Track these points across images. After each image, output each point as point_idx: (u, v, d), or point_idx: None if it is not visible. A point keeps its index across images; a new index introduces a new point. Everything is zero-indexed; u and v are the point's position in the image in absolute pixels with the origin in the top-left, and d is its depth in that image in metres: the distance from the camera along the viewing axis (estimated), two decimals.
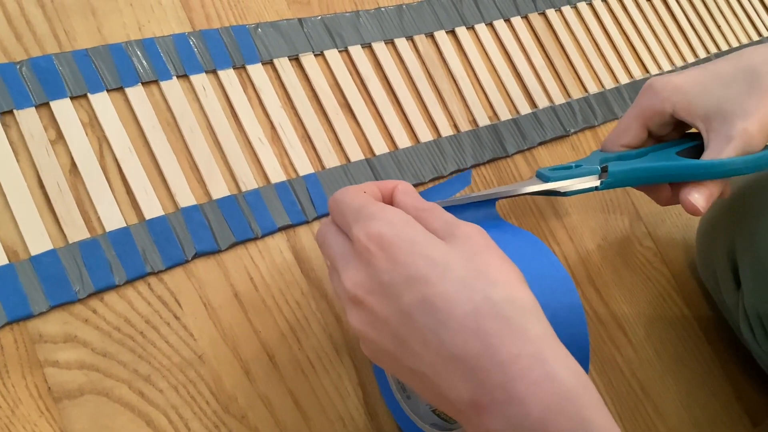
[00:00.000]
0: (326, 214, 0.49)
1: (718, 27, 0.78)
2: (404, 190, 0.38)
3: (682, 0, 0.77)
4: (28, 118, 0.42)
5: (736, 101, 0.47)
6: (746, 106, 0.46)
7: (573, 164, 0.49)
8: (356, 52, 0.55)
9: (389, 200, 0.38)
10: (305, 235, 0.48)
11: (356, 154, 0.52)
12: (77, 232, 0.41)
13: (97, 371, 0.39)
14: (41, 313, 0.39)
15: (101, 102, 0.45)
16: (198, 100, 0.48)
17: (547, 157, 0.60)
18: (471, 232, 0.34)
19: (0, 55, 0.43)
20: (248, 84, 0.50)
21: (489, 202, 0.45)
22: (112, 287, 0.41)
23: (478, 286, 0.31)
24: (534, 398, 0.29)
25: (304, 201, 0.48)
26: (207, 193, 0.46)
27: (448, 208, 0.42)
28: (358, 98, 0.54)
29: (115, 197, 0.43)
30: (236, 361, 0.43)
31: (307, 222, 0.48)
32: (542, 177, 0.48)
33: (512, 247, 0.38)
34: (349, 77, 0.54)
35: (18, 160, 0.41)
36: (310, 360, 0.45)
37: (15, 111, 0.42)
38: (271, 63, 0.51)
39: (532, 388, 0.29)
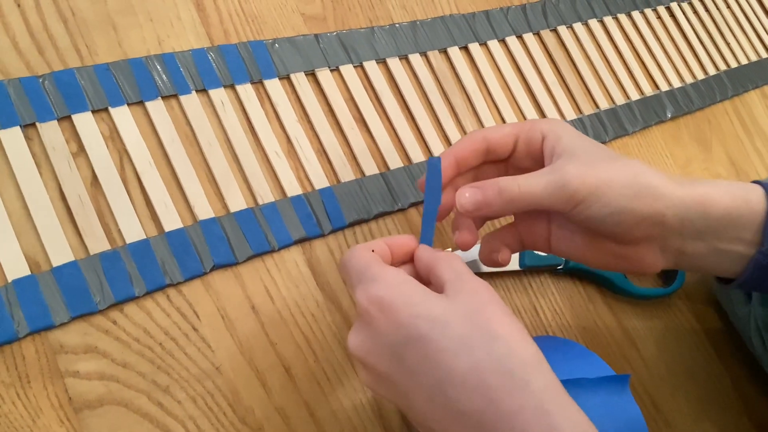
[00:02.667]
0: (341, 228, 0.49)
1: (728, 44, 0.79)
2: (424, 246, 0.40)
3: (691, 17, 0.78)
4: (50, 131, 0.43)
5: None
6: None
7: None
8: (371, 67, 0.56)
9: (400, 255, 0.39)
10: (320, 249, 0.48)
11: (371, 168, 0.52)
12: (98, 243, 0.42)
13: (116, 382, 0.40)
14: (62, 324, 0.39)
15: (122, 115, 0.45)
16: (216, 114, 0.48)
17: None
18: (478, 287, 0.35)
19: (23, 69, 0.44)
20: (265, 98, 0.51)
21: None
22: (132, 298, 0.42)
23: (479, 342, 0.32)
24: None
25: (320, 214, 0.49)
26: (225, 206, 0.46)
27: None
28: (373, 113, 0.54)
29: (135, 209, 0.43)
30: (253, 372, 0.43)
31: (322, 235, 0.48)
32: (522, 255, 0.55)
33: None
34: (363, 92, 0.55)
35: (40, 173, 0.42)
36: (325, 372, 0.46)
37: (38, 124, 0.43)
38: (287, 78, 0.52)
39: None
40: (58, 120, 0.44)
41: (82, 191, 0.43)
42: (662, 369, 0.57)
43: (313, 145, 0.51)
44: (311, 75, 0.53)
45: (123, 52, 0.47)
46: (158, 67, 0.47)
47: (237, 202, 0.47)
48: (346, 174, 0.51)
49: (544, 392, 0.31)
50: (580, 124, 0.63)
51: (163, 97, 0.47)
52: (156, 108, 0.46)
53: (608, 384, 0.44)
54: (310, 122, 0.52)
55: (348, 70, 0.55)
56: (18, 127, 0.42)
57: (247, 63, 0.51)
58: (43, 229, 0.41)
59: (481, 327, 0.33)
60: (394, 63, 0.57)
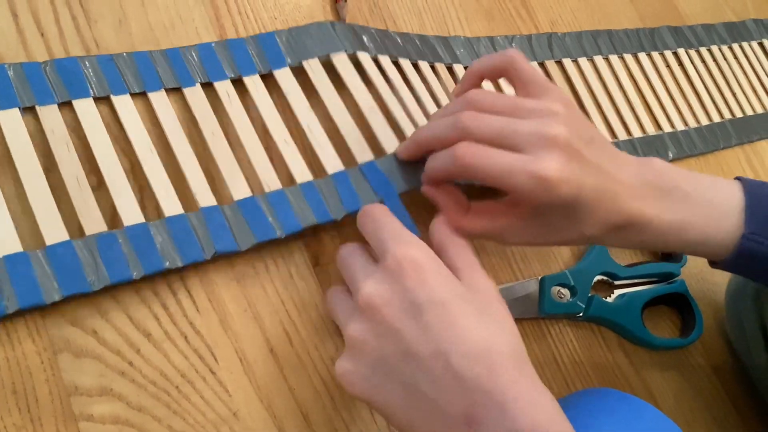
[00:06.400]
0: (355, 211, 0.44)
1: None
2: (440, 223, 0.42)
3: (698, 65, 0.76)
4: (50, 114, 0.41)
5: None
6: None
7: (570, 276, 0.53)
8: (386, 61, 0.54)
9: None
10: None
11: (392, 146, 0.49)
12: (95, 225, 0.39)
13: (131, 427, 0.37)
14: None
15: (124, 103, 0.43)
16: (222, 104, 0.46)
17: None
18: (487, 283, 0.38)
19: (23, 55, 0.42)
20: (275, 89, 0.49)
21: None
22: (129, 281, 0.39)
23: (492, 326, 0.36)
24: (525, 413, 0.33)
25: (332, 201, 0.46)
26: (228, 195, 0.44)
27: None
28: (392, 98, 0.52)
29: (134, 194, 0.41)
30: (270, 418, 0.41)
31: (334, 221, 0.45)
32: (542, 302, 0.52)
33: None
34: (382, 80, 0.53)
35: (38, 155, 0.40)
36: (343, 419, 0.43)
37: (37, 107, 0.41)
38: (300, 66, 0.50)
39: (526, 407, 0.33)
40: (58, 105, 0.41)
41: (81, 174, 0.40)
42: (681, 423, 0.55)
43: (327, 130, 0.48)
44: (326, 61, 0.51)
45: (131, 44, 0.45)
46: (162, 60, 0.46)
47: (241, 191, 0.44)
48: (366, 156, 0.48)
49: (532, 379, 0.35)
50: None
51: (166, 90, 0.45)
52: (159, 98, 0.45)
53: None
54: (324, 108, 0.49)
55: (365, 57, 0.52)
56: (17, 109, 0.40)
57: (254, 54, 0.49)
58: (38, 208, 0.38)
59: (492, 315, 0.36)
60: (405, 63, 0.55)
